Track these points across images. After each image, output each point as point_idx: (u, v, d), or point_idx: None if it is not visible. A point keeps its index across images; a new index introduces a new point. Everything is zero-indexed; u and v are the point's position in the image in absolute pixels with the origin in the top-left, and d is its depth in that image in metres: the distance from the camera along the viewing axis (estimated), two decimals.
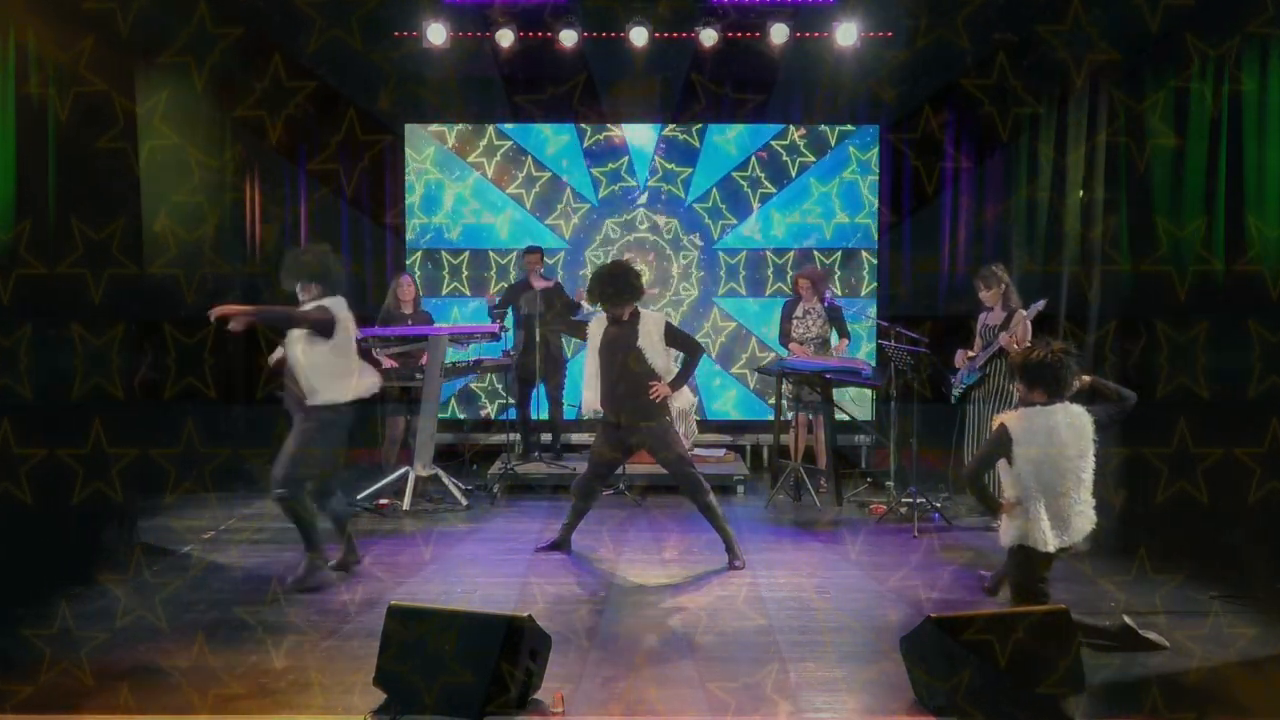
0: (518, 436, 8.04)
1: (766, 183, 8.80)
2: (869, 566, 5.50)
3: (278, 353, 5.22)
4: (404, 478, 6.80)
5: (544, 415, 8.11)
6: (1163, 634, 4.19)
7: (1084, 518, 4.02)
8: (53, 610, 4.57)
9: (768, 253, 8.84)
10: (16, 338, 4.83)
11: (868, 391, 8.17)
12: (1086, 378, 4.21)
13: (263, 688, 3.80)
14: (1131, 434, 5.21)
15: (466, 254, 8.83)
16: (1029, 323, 6.20)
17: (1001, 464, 4.08)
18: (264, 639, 4.30)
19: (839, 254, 8.78)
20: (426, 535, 6.14)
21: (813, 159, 8.78)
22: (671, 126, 8.78)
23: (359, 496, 6.67)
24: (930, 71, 8.03)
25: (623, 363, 5.40)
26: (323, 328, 4.87)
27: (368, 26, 7.38)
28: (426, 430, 6.85)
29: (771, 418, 7.79)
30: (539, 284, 7.81)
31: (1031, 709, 3.50)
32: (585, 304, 7.68)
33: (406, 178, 8.80)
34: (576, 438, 8.37)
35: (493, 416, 8.71)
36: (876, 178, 8.76)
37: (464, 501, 6.83)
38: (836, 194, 8.78)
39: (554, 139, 8.82)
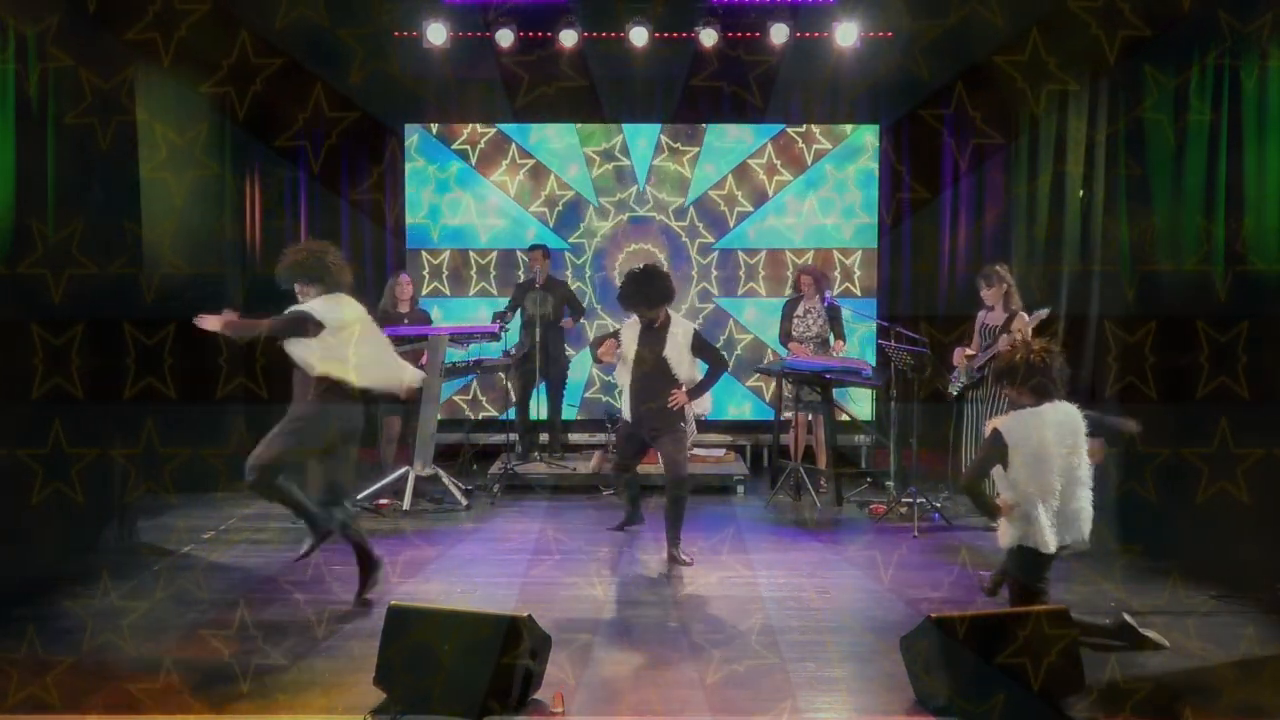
0: (517, 436, 8.04)
1: (766, 183, 8.80)
2: (869, 566, 5.51)
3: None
4: (404, 478, 6.80)
5: (544, 415, 8.11)
6: (1162, 633, 4.19)
7: (1084, 515, 4.02)
8: (53, 610, 4.57)
9: (765, 253, 8.83)
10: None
11: (868, 391, 8.17)
12: (1134, 425, 4.30)
13: (263, 688, 3.80)
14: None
15: (460, 253, 8.83)
16: (1030, 329, 6.18)
17: (997, 468, 4.07)
18: (264, 639, 4.30)
19: (837, 254, 8.77)
20: (426, 535, 6.15)
21: (812, 159, 8.78)
22: (671, 126, 8.78)
23: (359, 496, 6.66)
24: (931, 71, 8.02)
25: (649, 369, 5.45)
26: (290, 330, 4.64)
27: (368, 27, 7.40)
28: (426, 430, 6.85)
29: (771, 418, 7.78)
30: (542, 283, 7.81)
31: (1031, 709, 3.51)
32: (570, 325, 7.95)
33: (406, 178, 8.80)
34: (576, 438, 8.36)
35: (499, 416, 8.70)
36: (876, 178, 8.75)
37: (464, 501, 6.83)
38: (836, 194, 8.77)
39: (554, 139, 8.82)
